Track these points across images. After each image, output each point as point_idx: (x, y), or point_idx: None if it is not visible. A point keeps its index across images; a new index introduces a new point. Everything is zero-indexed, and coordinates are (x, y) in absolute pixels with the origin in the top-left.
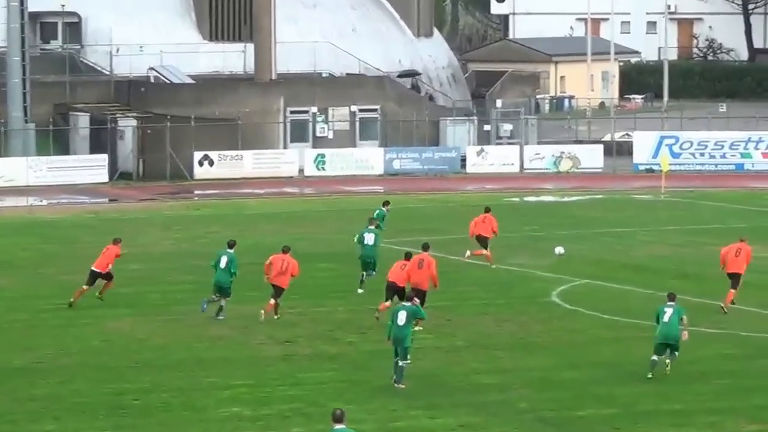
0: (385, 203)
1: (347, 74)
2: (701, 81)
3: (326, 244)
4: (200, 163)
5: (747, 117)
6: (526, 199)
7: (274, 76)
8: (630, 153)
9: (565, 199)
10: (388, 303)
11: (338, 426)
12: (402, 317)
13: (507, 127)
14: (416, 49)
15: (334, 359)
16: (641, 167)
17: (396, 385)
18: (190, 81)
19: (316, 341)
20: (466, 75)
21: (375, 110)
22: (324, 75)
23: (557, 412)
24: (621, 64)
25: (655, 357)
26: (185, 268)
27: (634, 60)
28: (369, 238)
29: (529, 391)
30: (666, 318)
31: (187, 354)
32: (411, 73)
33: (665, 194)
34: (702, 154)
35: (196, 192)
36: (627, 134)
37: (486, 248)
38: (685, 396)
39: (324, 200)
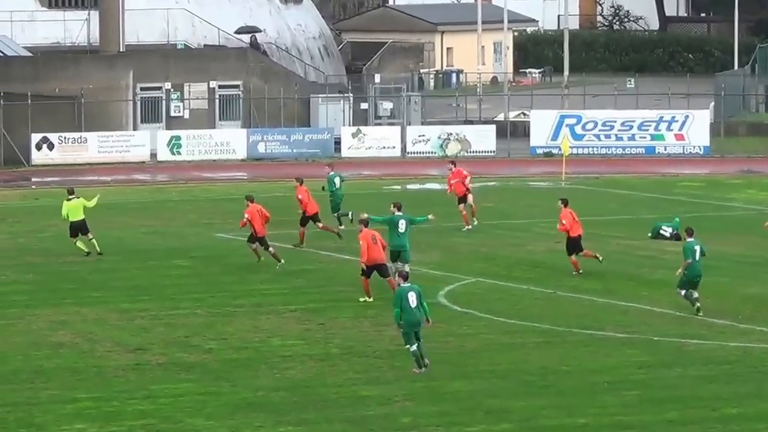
0: (330, 165)
1: (206, 46)
2: (606, 53)
3: (181, 239)
4: (38, 147)
5: (658, 94)
6: (408, 186)
7: (122, 48)
8: (526, 134)
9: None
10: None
11: None
12: (413, 299)
13: (387, 106)
14: (283, 17)
15: (192, 369)
16: (539, 150)
17: (419, 370)
18: (25, 53)
19: (171, 348)
20: (341, 47)
21: (237, 86)
22: (179, 46)
23: (445, 428)
24: (516, 34)
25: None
26: (22, 266)
27: (530, 29)
28: (402, 225)
29: (412, 404)
30: (697, 256)
31: (24, 363)
32: (250, 30)
33: (566, 181)
34: (607, 136)
35: (34, 179)
36: (523, 113)
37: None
38: (590, 409)
39: (179, 189)
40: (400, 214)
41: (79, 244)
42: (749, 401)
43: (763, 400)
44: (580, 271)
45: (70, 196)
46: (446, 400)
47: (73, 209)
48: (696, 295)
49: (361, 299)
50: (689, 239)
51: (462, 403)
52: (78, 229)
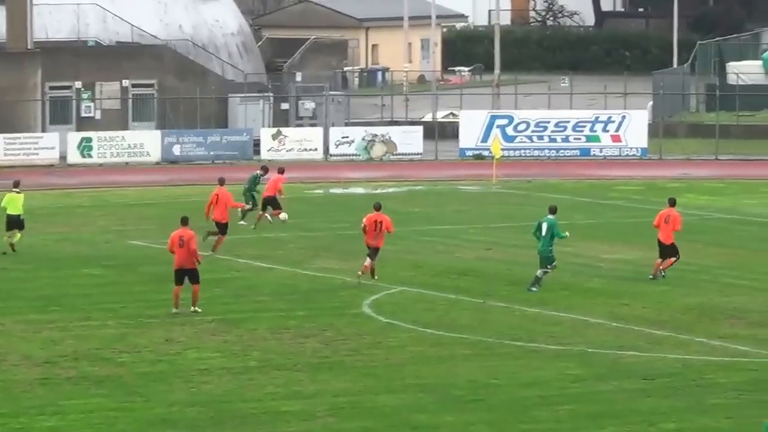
0: (263, 168)
1: (118, 43)
2: (539, 50)
3: (93, 246)
4: None
5: (594, 93)
6: (332, 191)
7: (29, 45)
8: (455, 136)
9: (379, 191)
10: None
11: None
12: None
13: (308, 106)
14: (199, 12)
15: (103, 383)
16: (468, 153)
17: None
18: None
19: (81, 362)
20: (260, 43)
21: (151, 86)
22: (90, 43)
23: None
24: (444, 30)
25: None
26: None
27: (459, 25)
28: (543, 228)
29: (335, 420)
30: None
31: None
32: None
33: (497, 185)
34: (540, 137)
35: None
36: (452, 114)
37: None
38: (522, 425)
39: (90, 193)
40: (548, 217)
41: (6, 239)
42: (688, 416)
43: (703, 414)
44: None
45: (15, 189)
46: (371, 416)
47: (12, 202)
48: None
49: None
50: (549, 216)
51: (388, 419)
52: (13, 224)
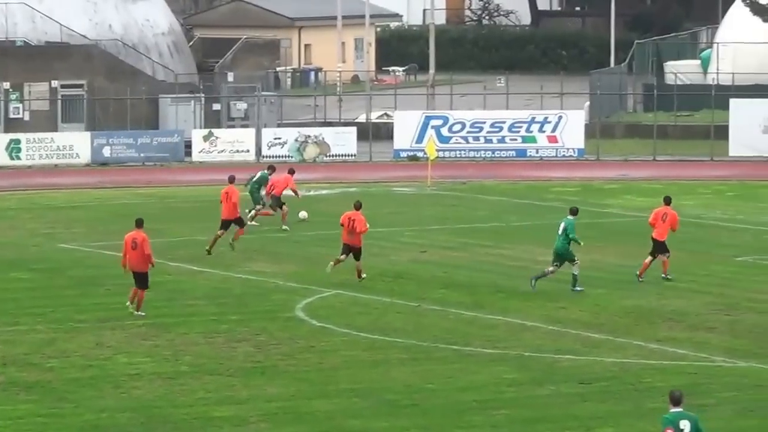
0: (271, 167)
1: (47, 43)
2: (475, 50)
3: (21, 250)
4: None
5: (530, 93)
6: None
7: None
8: (390, 137)
9: (312, 192)
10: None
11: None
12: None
13: (241, 106)
14: (129, 12)
15: (32, 389)
16: (403, 154)
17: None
18: None
19: (9, 368)
20: (191, 43)
21: (81, 86)
22: (18, 43)
23: None
24: (378, 29)
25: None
26: None
27: (394, 25)
28: (560, 228)
29: (268, 426)
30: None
31: None
32: None
33: (432, 186)
34: (476, 138)
35: None
36: (386, 114)
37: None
38: (457, 430)
39: (19, 196)
40: (568, 218)
41: None
42: (626, 420)
43: (641, 419)
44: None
45: None
46: (304, 421)
47: None
48: (550, 269)
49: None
50: (569, 216)
51: (321, 424)
52: None
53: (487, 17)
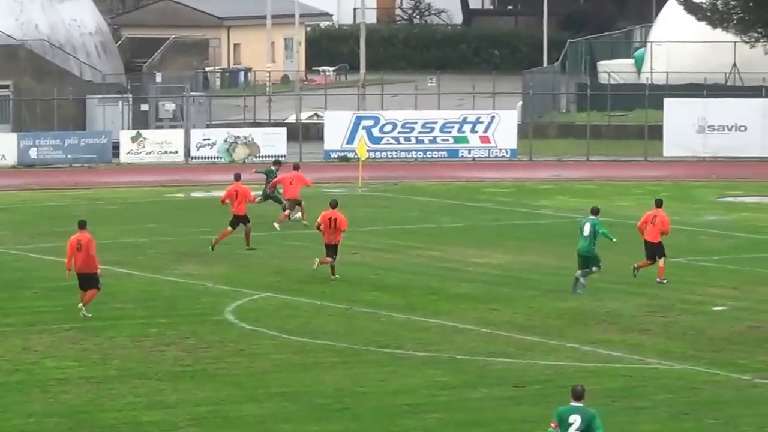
0: (277, 162)
1: None
2: (406, 49)
3: None
4: None
5: (462, 93)
6: (193, 194)
7: None
8: (320, 137)
9: None
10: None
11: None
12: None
13: (169, 107)
14: (56, 11)
15: None
16: (333, 155)
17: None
18: None
19: None
20: (119, 43)
21: (6, 87)
22: None
23: None
24: (308, 29)
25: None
26: None
27: (324, 24)
28: (586, 228)
29: (198, 430)
30: (585, 233)
31: None
32: None
33: (363, 187)
34: (407, 139)
35: None
36: (316, 115)
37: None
38: None
39: None
40: (591, 218)
41: None
42: None
43: None
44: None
45: None
46: (234, 426)
47: None
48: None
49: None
50: (591, 216)
51: (251, 429)
52: None
53: (418, 16)
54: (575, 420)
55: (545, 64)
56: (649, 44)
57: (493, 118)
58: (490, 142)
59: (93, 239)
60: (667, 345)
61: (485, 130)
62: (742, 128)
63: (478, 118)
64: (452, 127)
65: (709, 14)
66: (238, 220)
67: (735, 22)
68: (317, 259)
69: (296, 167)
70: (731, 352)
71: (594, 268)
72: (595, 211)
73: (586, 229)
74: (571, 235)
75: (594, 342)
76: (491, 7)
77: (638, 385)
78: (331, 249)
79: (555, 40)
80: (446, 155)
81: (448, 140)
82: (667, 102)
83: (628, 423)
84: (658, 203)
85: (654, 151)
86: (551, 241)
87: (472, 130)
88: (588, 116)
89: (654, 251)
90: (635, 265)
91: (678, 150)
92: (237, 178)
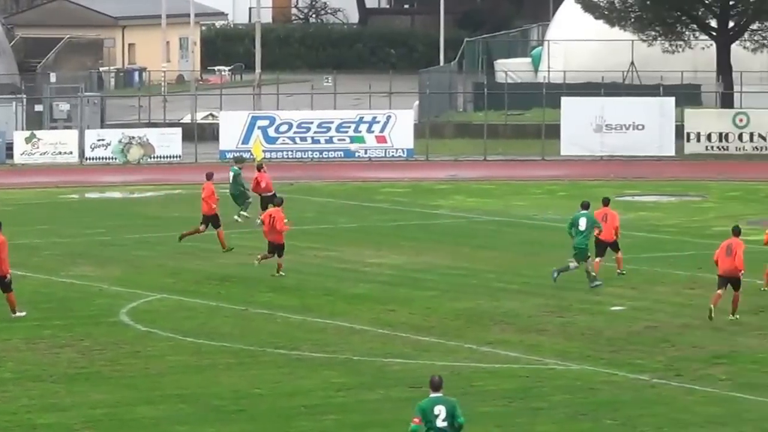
0: (238, 158)
1: None
2: (302, 49)
3: None
4: None
5: (358, 93)
6: (87, 195)
7: None
8: (215, 138)
9: (136, 195)
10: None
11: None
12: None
13: (63, 108)
14: None
15: None
16: (229, 155)
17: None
18: None
19: None
20: (13, 43)
21: None
22: None
23: None
24: (204, 28)
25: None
26: None
27: (219, 24)
28: (582, 223)
29: None
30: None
31: None
32: None
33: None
34: (303, 139)
35: None
36: (211, 115)
37: None
38: None
39: None
40: (585, 212)
41: None
42: None
43: (473, 423)
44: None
45: None
46: (129, 428)
47: None
48: (571, 265)
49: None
50: (583, 211)
51: (147, 431)
52: None
53: (314, 15)
54: (440, 411)
55: (442, 64)
56: (546, 43)
57: (389, 117)
58: (386, 142)
59: (6, 241)
60: (564, 345)
61: (381, 130)
62: (640, 127)
63: (375, 117)
64: (348, 127)
65: (606, 12)
66: (207, 219)
67: (632, 20)
68: (258, 256)
69: (259, 167)
70: (629, 353)
71: (580, 263)
72: (585, 206)
73: (583, 224)
74: (468, 235)
75: (491, 342)
76: (387, 6)
77: (536, 385)
78: (277, 248)
79: (452, 39)
80: (342, 155)
81: (344, 140)
82: (565, 101)
83: (526, 424)
84: (605, 201)
85: (551, 151)
86: (448, 241)
87: (369, 130)
88: (485, 115)
89: (606, 248)
90: (596, 281)
91: (575, 149)
92: (209, 177)
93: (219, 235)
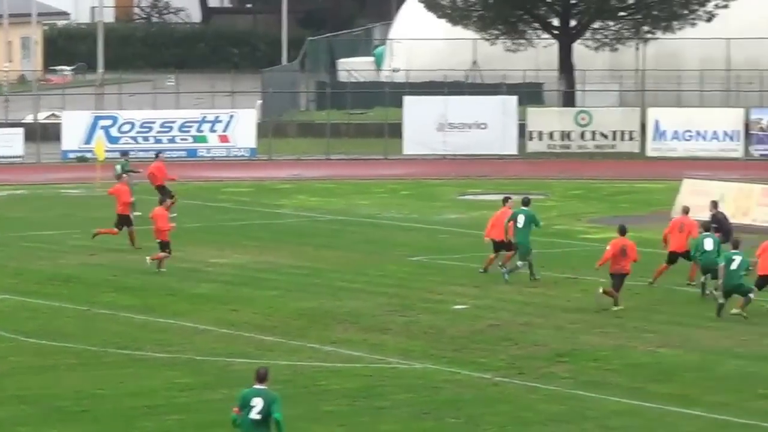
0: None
1: None
2: (144, 48)
3: None
4: None
5: (201, 92)
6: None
7: None
8: (58, 138)
9: None
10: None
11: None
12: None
13: None
14: None
15: None
16: (72, 155)
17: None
18: None
19: None
20: None
21: None
22: None
23: None
24: (46, 28)
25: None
26: None
27: (61, 23)
28: (520, 220)
29: None
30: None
31: None
32: None
33: (101, 188)
34: (146, 138)
35: None
36: (54, 114)
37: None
38: None
39: None
40: (524, 209)
41: None
42: (301, 424)
43: (316, 422)
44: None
45: None
46: None
47: None
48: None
49: None
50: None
51: None
52: None
53: (156, 15)
54: (257, 403)
55: (284, 63)
56: (389, 42)
57: (232, 117)
58: (229, 141)
59: None
60: (407, 344)
61: (224, 129)
62: (483, 126)
63: (217, 117)
64: (191, 127)
65: (449, 11)
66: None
67: (475, 19)
68: (148, 257)
69: (157, 155)
70: (472, 351)
71: (528, 258)
72: (526, 202)
73: (521, 221)
74: (311, 235)
75: (334, 342)
76: (230, 5)
77: (379, 384)
78: (160, 245)
79: (294, 38)
80: (185, 155)
81: (187, 140)
82: (407, 100)
83: (369, 423)
84: (505, 201)
85: (394, 150)
86: (291, 240)
87: (212, 130)
88: (328, 115)
89: (504, 247)
90: (483, 269)
91: (418, 148)
92: (119, 178)
93: (131, 234)
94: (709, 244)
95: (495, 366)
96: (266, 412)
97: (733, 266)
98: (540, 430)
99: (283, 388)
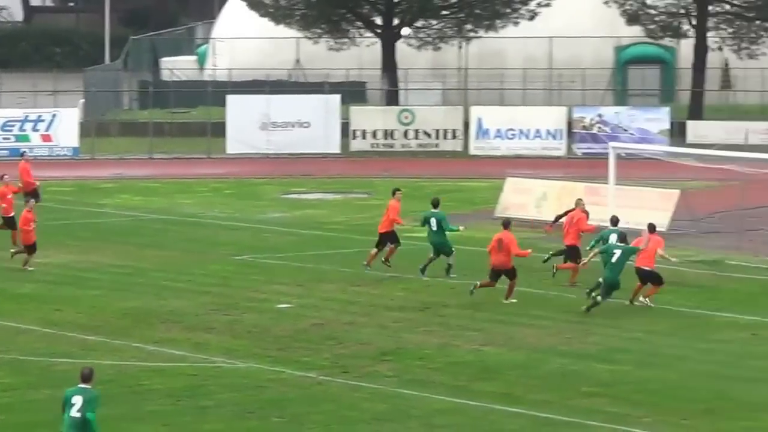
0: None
1: None
2: None
3: None
4: None
5: (23, 91)
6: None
7: None
8: None
9: None
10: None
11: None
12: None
13: None
14: None
15: None
16: None
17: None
18: None
19: None
20: None
21: None
22: None
23: None
24: None
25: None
26: None
27: None
28: (433, 222)
29: None
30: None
31: None
32: None
33: None
34: None
35: None
36: None
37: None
38: None
39: None
40: (435, 211)
41: None
42: (124, 424)
43: (139, 422)
44: None
45: None
46: None
47: None
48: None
49: None
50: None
51: None
52: None
53: None
54: (77, 401)
55: (107, 62)
56: (211, 41)
57: (54, 116)
58: (51, 141)
59: None
60: (231, 343)
61: (47, 129)
62: (306, 124)
63: (40, 116)
64: (14, 126)
65: (272, 10)
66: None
67: (298, 18)
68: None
69: (22, 154)
70: (296, 350)
71: (449, 255)
72: (436, 203)
73: (434, 223)
74: (134, 234)
75: (158, 341)
76: (52, 4)
77: (203, 383)
78: (26, 247)
79: (117, 37)
80: (8, 154)
81: (9, 139)
82: (230, 99)
83: (193, 422)
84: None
85: (217, 149)
86: (113, 240)
87: (34, 129)
88: (150, 114)
89: (384, 240)
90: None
91: (241, 147)
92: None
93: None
94: (613, 239)
95: (319, 365)
96: (84, 411)
97: (614, 259)
98: (364, 429)
99: (106, 387)
